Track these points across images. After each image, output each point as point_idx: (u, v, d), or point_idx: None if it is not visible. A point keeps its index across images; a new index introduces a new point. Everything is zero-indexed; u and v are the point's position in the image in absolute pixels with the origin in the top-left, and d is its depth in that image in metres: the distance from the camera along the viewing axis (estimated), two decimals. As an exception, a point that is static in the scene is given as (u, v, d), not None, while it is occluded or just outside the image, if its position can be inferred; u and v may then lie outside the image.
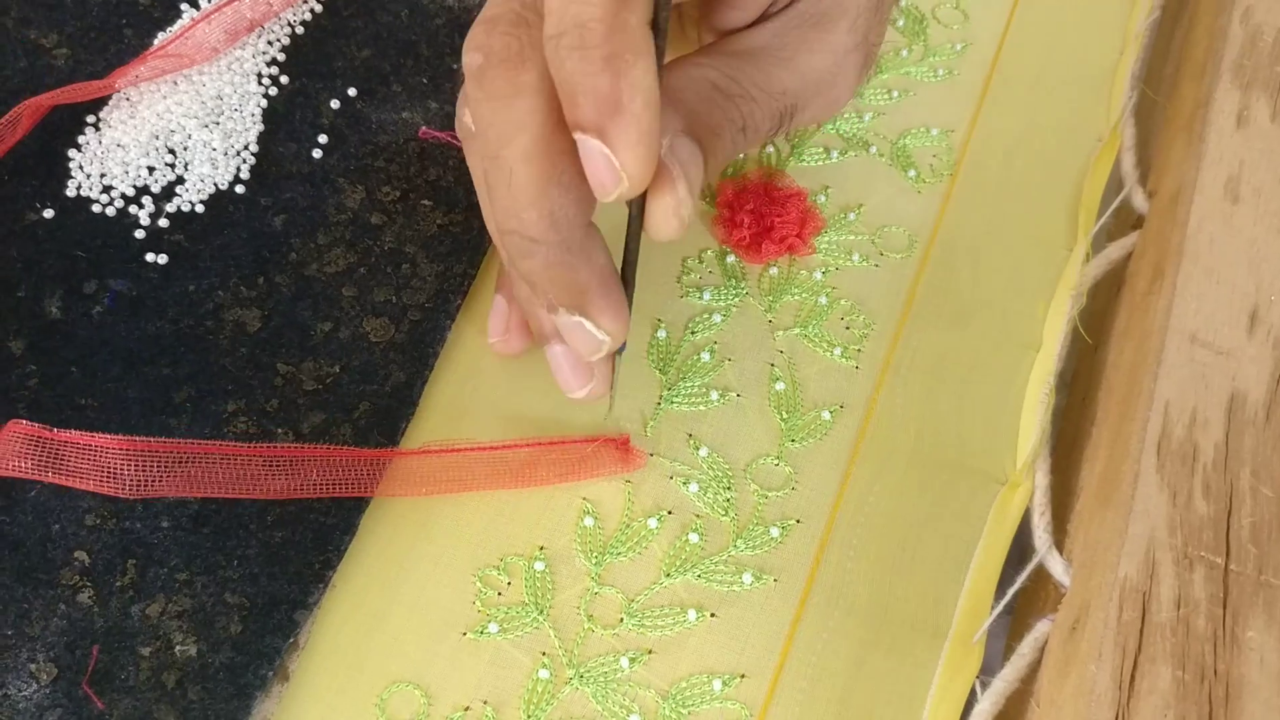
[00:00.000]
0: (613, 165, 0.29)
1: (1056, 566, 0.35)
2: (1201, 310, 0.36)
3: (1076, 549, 0.35)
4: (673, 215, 0.31)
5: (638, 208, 0.31)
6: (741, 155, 0.43)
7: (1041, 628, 0.35)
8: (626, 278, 0.33)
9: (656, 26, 0.28)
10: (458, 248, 0.40)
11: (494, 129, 0.30)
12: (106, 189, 0.41)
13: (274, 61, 0.45)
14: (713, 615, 0.35)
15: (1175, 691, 0.30)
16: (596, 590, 0.35)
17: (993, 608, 0.35)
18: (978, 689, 0.34)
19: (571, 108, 0.29)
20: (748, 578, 0.35)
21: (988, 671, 0.35)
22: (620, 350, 0.34)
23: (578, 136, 0.29)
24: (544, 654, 0.34)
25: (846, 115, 0.45)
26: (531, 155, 0.30)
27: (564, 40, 0.28)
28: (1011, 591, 0.35)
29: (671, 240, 0.31)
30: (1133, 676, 0.30)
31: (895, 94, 0.46)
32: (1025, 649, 0.34)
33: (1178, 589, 0.31)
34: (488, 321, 0.38)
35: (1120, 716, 0.29)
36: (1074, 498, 0.37)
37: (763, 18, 0.34)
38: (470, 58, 0.31)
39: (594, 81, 0.28)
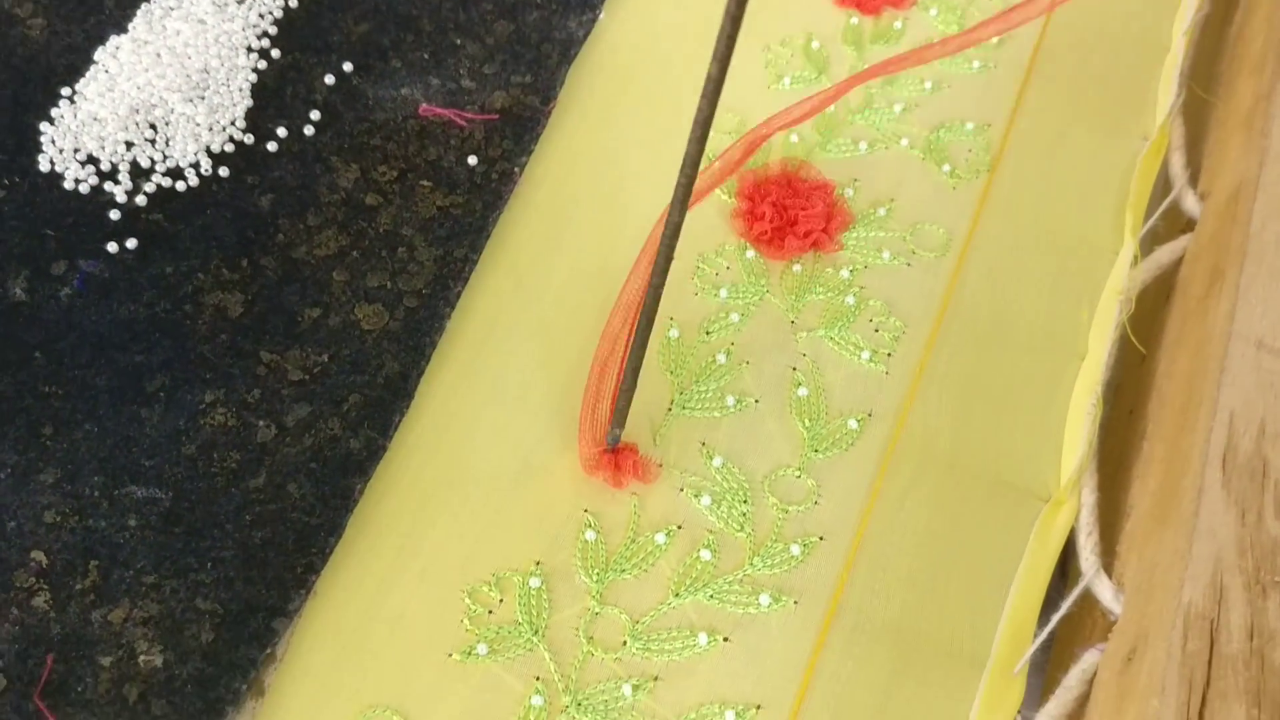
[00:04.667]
0: None
1: (1105, 592, 0.33)
2: (1268, 314, 0.34)
3: (1129, 573, 0.32)
4: None
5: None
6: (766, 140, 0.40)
7: (1089, 658, 0.32)
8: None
9: None
10: (458, 231, 0.37)
11: None
12: (80, 164, 0.39)
13: (265, 34, 0.42)
14: (726, 639, 0.32)
15: (1250, 733, 0.27)
16: (598, 610, 0.32)
17: (1035, 635, 0.32)
18: (1020, 725, 0.31)
19: None
20: (765, 599, 0.32)
21: (1029, 705, 0.32)
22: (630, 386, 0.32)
23: None
24: (538, 679, 0.31)
25: (877, 106, 0.42)
26: None
27: None
28: (1056, 618, 0.32)
29: None
30: (1201, 713, 0.27)
31: (929, 85, 0.43)
32: (1072, 681, 0.32)
33: (1250, 617, 0.28)
34: (492, 311, 0.36)
35: (1188, 760, 0.26)
36: (1123, 517, 0.34)
37: None
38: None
39: None
